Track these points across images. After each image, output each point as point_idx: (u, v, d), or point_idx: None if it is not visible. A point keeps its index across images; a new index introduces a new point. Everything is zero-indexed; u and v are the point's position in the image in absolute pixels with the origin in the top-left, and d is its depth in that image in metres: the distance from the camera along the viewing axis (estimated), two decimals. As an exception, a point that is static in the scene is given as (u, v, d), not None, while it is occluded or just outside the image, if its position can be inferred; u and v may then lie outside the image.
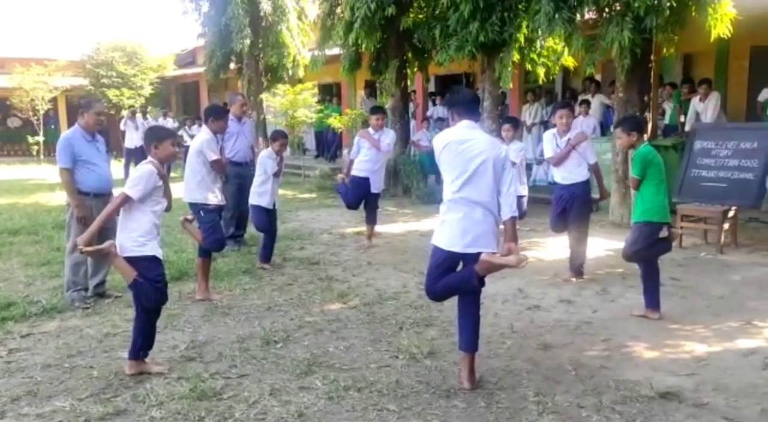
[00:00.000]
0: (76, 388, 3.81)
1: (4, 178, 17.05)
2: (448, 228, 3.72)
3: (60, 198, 9.18)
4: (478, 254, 3.61)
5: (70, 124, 22.01)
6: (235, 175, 7.18)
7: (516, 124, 7.25)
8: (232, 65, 16.50)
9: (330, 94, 18.46)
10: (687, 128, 9.63)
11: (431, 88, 16.17)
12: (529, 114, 12.68)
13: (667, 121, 10.63)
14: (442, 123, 13.72)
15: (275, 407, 3.51)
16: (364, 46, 11.42)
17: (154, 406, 3.53)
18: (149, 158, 4.01)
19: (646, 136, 6.96)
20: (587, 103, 11.16)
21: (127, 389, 3.78)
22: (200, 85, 23.42)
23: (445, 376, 3.90)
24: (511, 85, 9.76)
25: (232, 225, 7.47)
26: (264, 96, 14.82)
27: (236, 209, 7.42)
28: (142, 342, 3.99)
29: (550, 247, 7.58)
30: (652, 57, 8.49)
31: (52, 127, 24.44)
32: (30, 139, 22.94)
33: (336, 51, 12.76)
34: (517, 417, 3.38)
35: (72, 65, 23.25)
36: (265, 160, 6.66)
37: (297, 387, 3.77)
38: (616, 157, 8.84)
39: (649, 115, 8.68)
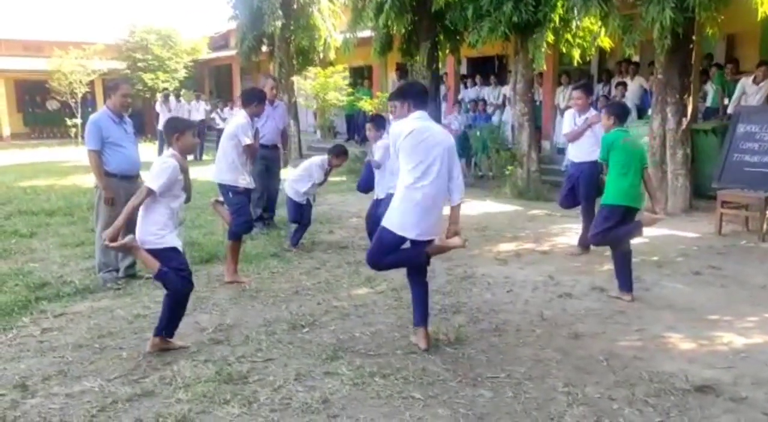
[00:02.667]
0: (106, 369, 3.83)
1: (44, 160, 17.41)
2: (402, 214, 3.91)
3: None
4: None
5: (107, 106, 21.88)
6: (261, 157, 7.17)
7: (380, 123, 6.21)
8: (264, 48, 16.46)
9: (361, 76, 18.35)
10: (730, 110, 9.28)
11: (463, 70, 15.97)
12: (563, 96, 12.39)
13: (709, 103, 10.28)
14: (475, 105, 13.57)
15: (300, 392, 3.49)
16: (395, 28, 11.30)
17: (181, 388, 3.54)
18: (171, 151, 4.02)
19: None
20: (624, 85, 10.86)
21: (155, 371, 3.79)
22: (233, 68, 23.51)
23: (472, 364, 3.84)
24: (544, 67, 9.54)
25: (259, 206, 7.49)
26: (295, 79, 14.77)
27: (263, 190, 7.44)
28: (167, 323, 4.04)
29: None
30: (693, 37, 8.20)
31: (90, 109, 24.76)
32: (68, 122, 23.29)
33: (368, 33, 12.64)
34: (546, 408, 3.30)
35: (109, 49, 23.52)
36: (316, 167, 6.75)
37: (322, 372, 3.75)
38: (653, 140, 8.60)
39: (689, 98, 8.41)
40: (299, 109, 16.12)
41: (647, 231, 7.30)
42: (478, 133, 11.40)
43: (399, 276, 5.73)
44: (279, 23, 14.92)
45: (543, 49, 9.26)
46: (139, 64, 22.81)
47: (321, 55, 15.94)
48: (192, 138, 4.09)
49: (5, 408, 3.35)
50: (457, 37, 11.88)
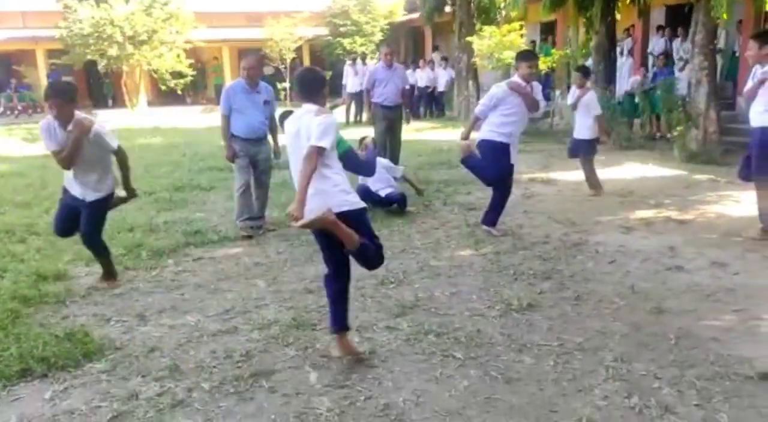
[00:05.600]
0: (209, 307, 4.42)
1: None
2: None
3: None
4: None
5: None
6: (384, 117, 7.76)
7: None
8: (447, 8, 16.54)
9: (552, 32, 17.65)
10: None
11: (660, 20, 14.62)
12: (765, 46, 10.88)
13: None
14: (666, 59, 12.48)
15: (354, 341, 3.77)
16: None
17: (258, 329, 4.00)
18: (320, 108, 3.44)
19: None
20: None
21: (246, 313, 4.30)
22: (425, 30, 23.83)
23: (530, 330, 3.82)
24: (725, 16, 8.48)
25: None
26: (472, 38, 14.68)
27: (386, 147, 8.26)
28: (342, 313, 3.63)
29: (745, 202, 6.67)
30: None
31: (298, 74, 26.85)
32: (279, 85, 25.51)
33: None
34: (580, 380, 3.23)
35: (315, 16, 25.20)
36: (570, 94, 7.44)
37: (384, 326, 3.98)
38: None
39: None
40: (479, 71, 16.05)
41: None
42: (646, 90, 10.54)
43: (508, 239, 5.75)
44: (459, -18, 14.88)
45: (726, -6, 8.26)
46: (340, 29, 24.14)
47: (503, 13, 15.62)
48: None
49: (122, 332, 4.08)
50: (640, -15, 11.01)
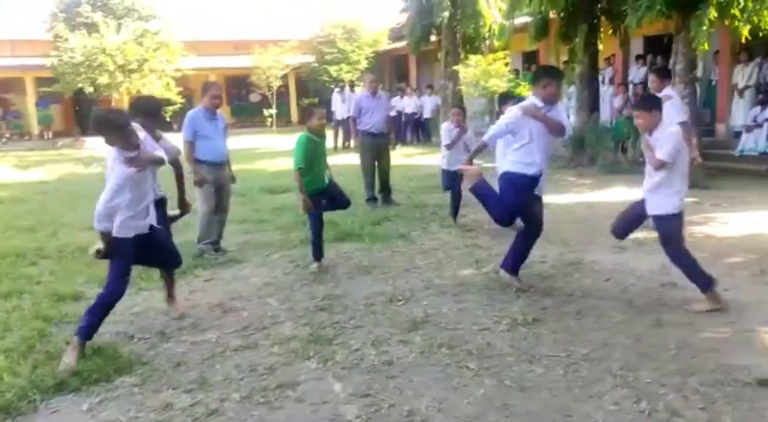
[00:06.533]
0: (226, 325, 4.60)
1: (242, 147, 19.42)
2: None
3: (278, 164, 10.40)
4: None
5: (299, 97, 24.38)
6: (372, 145, 8.27)
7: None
8: (432, 38, 17.00)
9: (534, 61, 18.17)
10: None
11: (639, 49, 15.18)
12: (741, 76, 11.41)
13: None
14: (644, 88, 12.96)
15: (372, 355, 3.95)
16: (551, 12, 11.23)
17: (277, 344, 4.18)
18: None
19: None
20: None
21: (263, 329, 4.48)
22: (409, 58, 24.34)
23: (538, 343, 4.03)
24: (706, 47, 8.92)
25: (372, 188, 8.72)
26: (459, 67, 15.11)
27: (374, 173, 8.66)
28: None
29: (732, 223, 7.00)
30: None
31: (284, 100, 27.25)
32: (265, 112, 25.83)
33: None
34: (590, 387, 3.44)
35: (301, 44, 25.68)
36: (445, 131, 7.69)
37: (398, 340, 4.17)
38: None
39: None
40: (464, 97, 16.45)
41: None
42: (625, 117, 10.99)
43: (508, 259, 5.96)
44: (446, 13, 15.36)
45: (704, 27, 8.71)
46: (326, 57, 24.59)
47: (487, 43, 16.11)
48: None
49: (146, 348, 4.22)
50: (621, 17, 11.45)
